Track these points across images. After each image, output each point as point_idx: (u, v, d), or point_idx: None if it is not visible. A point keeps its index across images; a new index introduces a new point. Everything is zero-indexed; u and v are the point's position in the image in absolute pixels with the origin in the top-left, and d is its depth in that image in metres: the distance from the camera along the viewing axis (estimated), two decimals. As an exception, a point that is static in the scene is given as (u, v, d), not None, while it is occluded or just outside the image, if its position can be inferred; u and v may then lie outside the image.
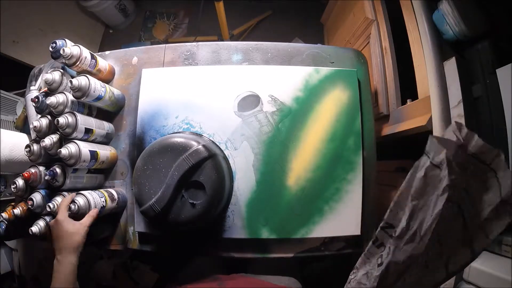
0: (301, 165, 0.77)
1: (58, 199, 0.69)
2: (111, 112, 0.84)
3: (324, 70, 0.81)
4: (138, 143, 0.79)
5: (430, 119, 0.79)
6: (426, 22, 0.85)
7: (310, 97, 0.80)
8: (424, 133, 0.81)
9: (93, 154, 0.72)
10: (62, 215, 0.64)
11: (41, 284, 1.22)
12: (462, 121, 0.74)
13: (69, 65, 0.72)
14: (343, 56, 0.86)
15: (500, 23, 0.79)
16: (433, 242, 0.36)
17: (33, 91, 0.85)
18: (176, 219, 0.67)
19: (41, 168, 0.73)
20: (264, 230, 0.75)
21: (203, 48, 0.87)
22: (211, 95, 0.80)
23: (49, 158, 0.74)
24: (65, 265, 0.61)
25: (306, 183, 0.76)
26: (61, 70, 0.75)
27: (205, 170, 0.68)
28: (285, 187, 0.76)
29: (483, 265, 0.68)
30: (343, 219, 0.76)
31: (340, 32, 1.62)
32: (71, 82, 0.68)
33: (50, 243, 0.65)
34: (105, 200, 0.72)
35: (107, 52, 0.89)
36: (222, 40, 1.82)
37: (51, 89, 0.74)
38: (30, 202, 0.71)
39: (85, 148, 0.70)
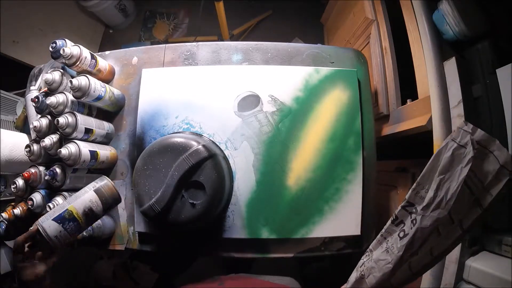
0: (301, 165, 0.77)
1: (58, 199, 0.69)
2: (111, 112, 0.84)
3: (324, 70, 0.81)
4: (138, 143, 0.79)
5: (430, 119, 0.79)
6: (426, 22, 0.85)
7: (310, 97, 0.80)
8: (424, 133, 0.81)
9: (93, 154, 0.72)
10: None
11: (41, 284, 1.22)
12: (462, 121, 0.74)
13: (69, 65, 0.72)
14: (343, 56, 0.86)
15: (500, 23, 0.79)
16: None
17: (33, 91, 0.85)
18: (176, 219, 0.67)
19: (41, 168, 0.73)
20: (264, 230, 0.75)
21: (203, 48, 0.87)
22: (211, 95, 0.80)
23: (49, 158, 0.74)
24: None
25: (306, 183, 0.76)
26: (61, 70, 0.75)
27: (205, 170, 0.68)
28: (285, 187, 0.76)
29: (483, 265, 0.68)
30: (343, 219, 0.76)
31: (340, 32, 1.62)
32: (71, 82, 0.68)
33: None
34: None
35: (107, 52, 0.89)
36: (222, 40, 1.82)
37: (51, 89, 0.74)
38: (30, 202, 0.71)
39: (85, 148, 0.70)
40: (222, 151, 0.77)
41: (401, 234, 0.50)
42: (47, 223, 0.53)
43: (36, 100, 0.74)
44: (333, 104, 0.79)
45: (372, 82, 1.10)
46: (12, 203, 0.81)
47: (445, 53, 0.82)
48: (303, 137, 0.78)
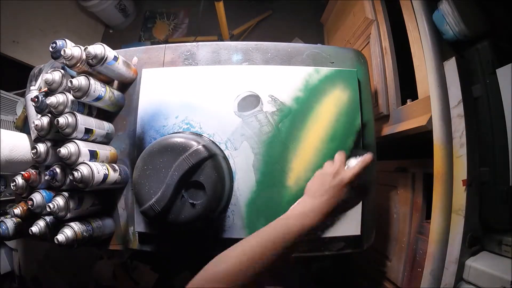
0: (301, 165, 0.77)
1: (58, 199, 0.69)
2: (111, 112, 0.84)
3: (324, 70, 0.81)
4: (138, 143, 0.79)
5: (430, 119, 0.79)
6: (426, 22, 0.85)
7: (310, 97, 0.80)
8: (424, 133, 0.81)
9: (93, 154, 0.72)
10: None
11: (41, 284, 1.22)
12: (462, 121, 0.74)
13: (69, 66, 0.72)
14: (343, 56, 0.86)
15: (500, 23, 0.79)
16: None
17: (33, 91, 0.85)
18: (176, 219, 0.67)
19: (49, 144, 0.73)
20: (264, 230, 0.75)
21: (203, 48, 0.87)
22: (211, 95, 0.80)
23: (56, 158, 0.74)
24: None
25: (306, 183, 0.76)
26: (61, 70, 0.75)
27: (205, 170, 0.68)
28: (285, 187, 0.76)
29: (483, 265, 0.68)
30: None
31: (340, 32, 1.62)
32: (71, 82, 0.68)
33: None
34: (107, 169, 0.72)
35: (107, 52, 0.89)
36: (222, 40, 1.82)
37: (51, 89, 0.74)
38: (30, 202, 0.71)
39: (85, 147, 0.70)
40: (222, 151, 0.77)
41: None
42: None
43: (36, 99, 0.74)
44: (333, 104, 0.79)
45: (372, 82, 1.10)
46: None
47: (445, 53, 0.82)
48: (303, 137, 0.78)
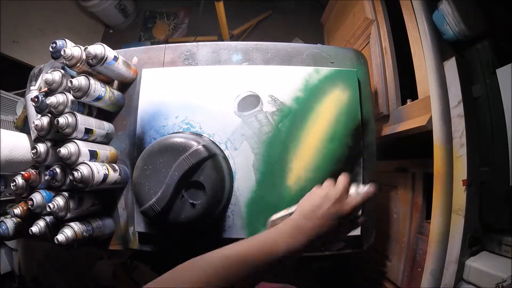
0: (301, 165, 0.77)
1: (58, 199, 0.69)
2: (111, 112, 0.84)
3: (324, 70, 0.81)
4: (138, 143, 0.79)
5: (430, 119, 0.79)
6: (426, 22, 0.85)
7: (310, 97, 0.80)
8: (424, 133, 0.81)
9: (93, 154, 0.72)
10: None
11: (41, 284, 1.22)
12: (462, 121, 0.74)
13: (69, 66, 0.72)
14: (343, 56, 0.86)
15: (500, 23, 0.79)
16: None
17: (33, 91, 0.85)
18: (176, 219, 0.67)
19: (48, 144, 0.73)
20: (264, 230, 0.75)
21: (203, 48, 0.87)
22: (211, 95, 0.80)
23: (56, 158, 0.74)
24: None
25: (306, 183, 0.76)
26: (61, 70, 0.75)
27: (205, 170, 0.68)
28: (285, 187, 0.76)
29: (483, 265, 0.68)
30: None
31: (340, 32, 1.62)
32: (71, 82, 0.68)
33: None
34: (107, 169, 0.72)
35: (107, 52, 0.89)
36: (222, 40, 1.82)
37: (51, 89, 0.74)
38: (30, 202, 0.71)
39: (85, 147, 0.70)
40: (222, 151, 0.77)
41: None
42: None
43: (36, 99, 0.74)
44: (333, 104, 0.79)
45: (372, 82, 1.10)
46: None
47: (445, 53, 0.82)
48: (303, 137, 0.78)
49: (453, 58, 0.78)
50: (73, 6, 1.98)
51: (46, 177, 0.70)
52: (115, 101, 0.80)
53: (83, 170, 0.65)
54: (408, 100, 0.96)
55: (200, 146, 0.68)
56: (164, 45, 0.88)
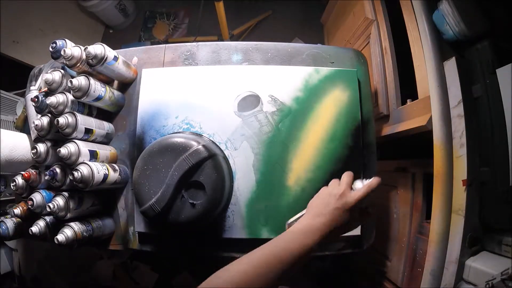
0: (301, 165, 0.77)
1: (58, 199, 0.69)
2: (111, 112, 0.84)
3: (324, 70, 0.81)
4: (138, 143, 0.79)
5: (430, 119, 0.79)
6: (426, 22, 0.85)
7: (310, 97, 0.80)
8: (424, 133, 0.81)
9: (93, 154, 0.72)
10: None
11: (41, 284, 1.22)
12: (462, 121, 0.74)
13: (69, 66, 0.72)
14: (343, 56, 0.86)
15: (500, 23, 0.79)
16: None
17: (33, 91, 0.85)
18: (176, 219, 0.67)
19: (49, 143, 0.73)
20: (264, 230, 0.75)
21: (203, 48, 0.87)
22: (211, 95, 0.80)
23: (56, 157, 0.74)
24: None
25: (306, 183, 0.76)
26: (61, 70, 0.75)
27: (205, 170, 0.68)
28: (285, 187, 0.76)
29: (483, 265, 0.68)
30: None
31: (340, 32, 1.62)
32: (71, 82, 0.68)
33: None
34: (107, 169, 0.72)
35: (107, 52, 0.89)
36: (222, 40, 1.82)
37: (51, 89, 0.74)
38: (30, 202, 0.71)
39: (85, 147, 0.70)
40: (222, 151, 0.77)
41: None
42: None
43: (36, 99, 0.74)
44: (333, 104, 0.79)
45: (372, 82, 1.10)
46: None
47: (445, 53, 0.82)
48: (303, 137, 0.78)
49: (453, 58, 0.78)
50: (73, 6, 1.98)
51: (46, 177, 0.70)
52: (115, 101, 0.80)
53: (83, 170, 0.65)
54: (408, 100, 0.96)
55: (200, 146, 0.68)
56: (164, 45, 0.88)
